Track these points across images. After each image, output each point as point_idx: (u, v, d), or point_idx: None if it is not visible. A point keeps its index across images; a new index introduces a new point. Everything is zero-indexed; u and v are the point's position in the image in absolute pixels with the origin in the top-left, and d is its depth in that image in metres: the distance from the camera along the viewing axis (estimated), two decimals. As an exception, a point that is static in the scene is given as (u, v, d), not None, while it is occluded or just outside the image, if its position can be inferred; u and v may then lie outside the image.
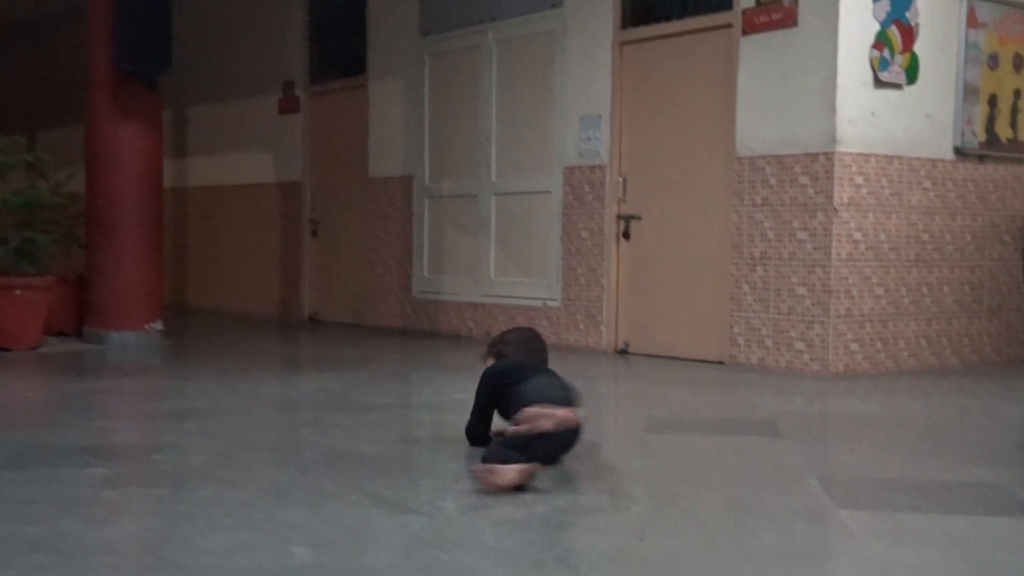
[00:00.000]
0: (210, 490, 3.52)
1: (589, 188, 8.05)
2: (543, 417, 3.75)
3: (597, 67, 7.98)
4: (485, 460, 3.64)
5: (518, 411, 3.81)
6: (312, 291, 10.87)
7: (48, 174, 8.76)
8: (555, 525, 3.18)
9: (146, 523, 3.29)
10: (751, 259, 7.01)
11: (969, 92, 7.24)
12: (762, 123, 6.95)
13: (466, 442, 4.26)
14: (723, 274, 7.20)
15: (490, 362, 4.33)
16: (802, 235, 6.75)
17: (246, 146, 11.62)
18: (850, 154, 6.66)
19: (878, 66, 6.73)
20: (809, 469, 4.00)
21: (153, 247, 8.30)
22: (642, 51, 7.79)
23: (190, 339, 8.98)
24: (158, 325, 8.30)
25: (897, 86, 6.87)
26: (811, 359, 6.69)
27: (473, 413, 4.24)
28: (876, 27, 6.73)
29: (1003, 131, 7.48)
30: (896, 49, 6.83)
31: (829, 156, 6.62)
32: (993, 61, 7.39)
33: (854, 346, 6.73)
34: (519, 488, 3.49)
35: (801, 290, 6.75)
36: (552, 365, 4.35)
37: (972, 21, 7.23)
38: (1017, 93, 7.56)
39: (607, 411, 5.50)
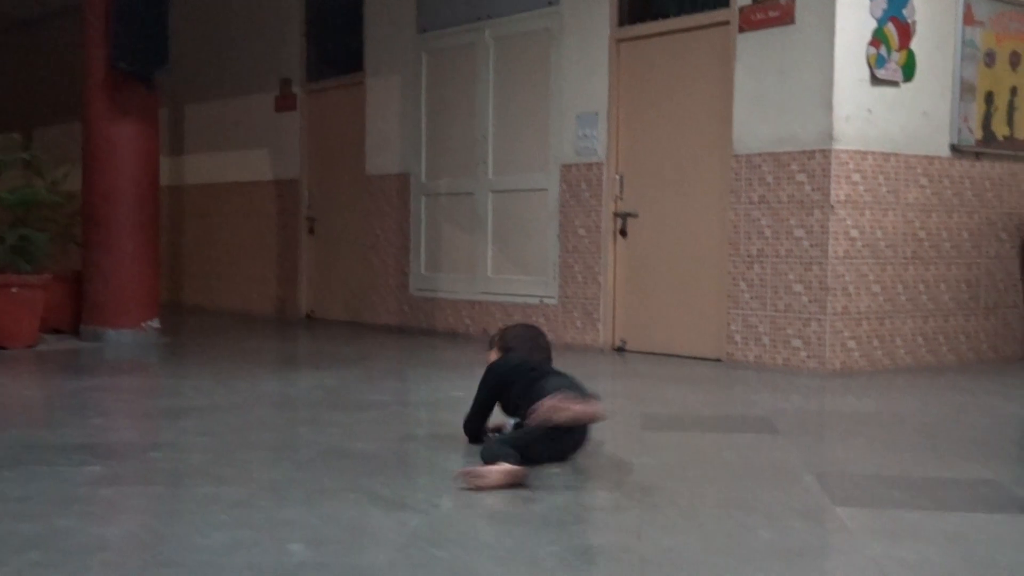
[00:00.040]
0: (207, 488, 3.52)
1: (586, 186, 8.05)
2: (560, 410, 3.73)
3: (594, 64, 7.98)
4: (483, 456, 3.65)
5: (532, 406, 3.80)
6: (309, 289, 10.87)
7: (45, 172, 8.75)
8: (553, 523, 3.18)
9: (143, 521, 3.29)
10: (748, 257, 7.01)
11: (966, 89, 7.25)
12: (759, 120, 6.95)
13: (463, 439, 4.26)
14: (720, 272, 7.20)
15: (494, 355, 4.32)
16: (799, 232, 6.75)
17: (243, 144, 11.61)
18: (847, 151, 6.66)
19: (875, 63, 6.74)
20: (806, 466, 4.01)
21: (150, 245, 8.30)
22: (639, 48, 7.79)
23: (187, 337, 8.97)
24: (155, 323, 8.30)
25: (894, 83, 6.88)
26: (808, 356, 6.70)
27: (474, 406, 4.22)
28: (873, 24, 6.73)
29: (1000, 128, 7.49)
30: (893, 46, 6.83)
31: (826, 153, 6.62)
32: (990, 58, 7.39)
33: (851, 343, 6.73)
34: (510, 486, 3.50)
35: (798, 287, 6.75)
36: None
37: (969, 18, 7.24)
38: (1014, 90, 7.57)
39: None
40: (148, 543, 2.98)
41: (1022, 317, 7.79)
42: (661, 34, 7.64)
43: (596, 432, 4.17)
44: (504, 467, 3.55)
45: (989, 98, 7.41)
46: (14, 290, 7.65)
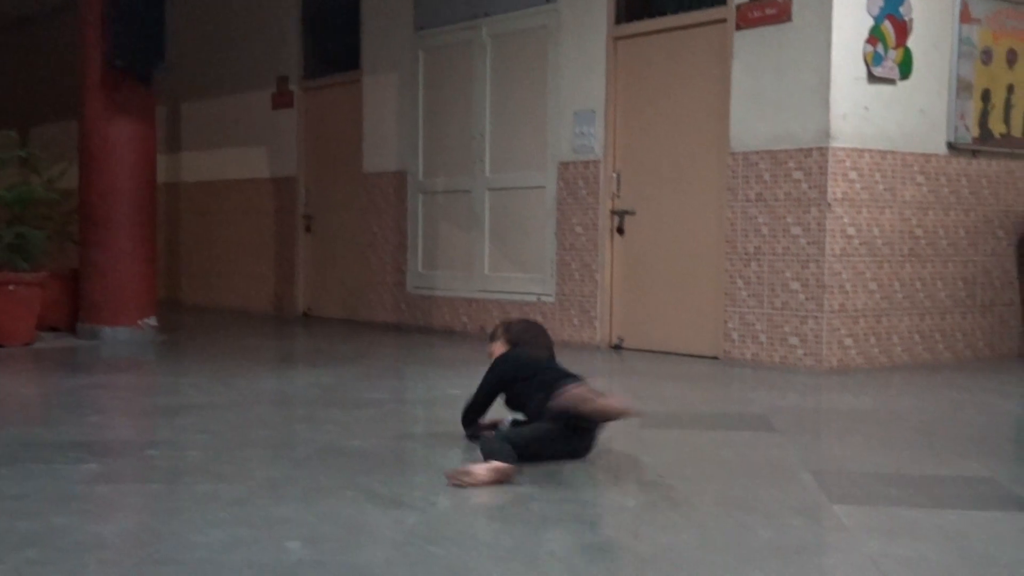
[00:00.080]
0: (205, 486, 3.52)
1: (583, 183, 8.05)
2: (587, 400, 3.70)
3: (591, 62, 7.98)
4: (483, 450, 3.65)
5: (553, 396, 3.78)
6: (306, 287, 10.87)
7: (42, 170, 8.74)
8: (550, 520, 3.18)
9: (140, 519, 3.29)
10: (745, 254, 7.01)
11: (962, 87, 7.25)
12: (756, 118, 6.95)
13: (461, 436, 4.26)
14: (717, 269, 7.21)
15: (499, 347, 4.29)
16: (796, 230, 6.75)
17: (240, 141, 11.60)
18: (844, 149, 6.66)
19: (872, 61, 6.74)
20: (803, 464, 4.01)
21: (147, 243, 8.29)
22: (636, 46, 7.79)
23: (184, 335, 8.97)
24: (152, 321, 8.29)
25: (891, 81, 6.88)
26: (805, 354, 6.70)
27: (478, 395, 4.20)
28: (870, 22, 6.73)
29: (996, 126, 7.49)
30: (890, 44, 6.83)
31: (823, 151, 6.62)
32: (987, 56, 7.40)
33: (848, 341, 6.74)
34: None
35: (795, 285, 6.76)
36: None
37: (966, 16, 7.24)
38: (1010, 88, 7.58)
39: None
40: (145, 541, 2.98)
41: (1019, 315, 7.80)
42: (658, 32, 7.64)
43: (593, 430, 4.17)
44: (493, 465, 3.55)
45: (986, 96, 7.41)
46: (11, 288, 7.64)
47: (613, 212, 7.89)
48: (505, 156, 8.74)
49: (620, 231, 7.86)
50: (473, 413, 4.24)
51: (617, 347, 7.86)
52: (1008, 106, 7.57)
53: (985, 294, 7.57)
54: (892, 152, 6.92)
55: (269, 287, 11.23)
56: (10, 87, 14.73)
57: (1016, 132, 7.62)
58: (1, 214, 8.33)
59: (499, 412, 4.27)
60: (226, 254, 11.86)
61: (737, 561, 2.80)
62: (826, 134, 6.61)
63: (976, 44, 7.32)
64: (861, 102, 6.73)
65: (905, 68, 6.93)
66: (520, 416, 4.12)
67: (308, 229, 10.81)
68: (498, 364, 4.19)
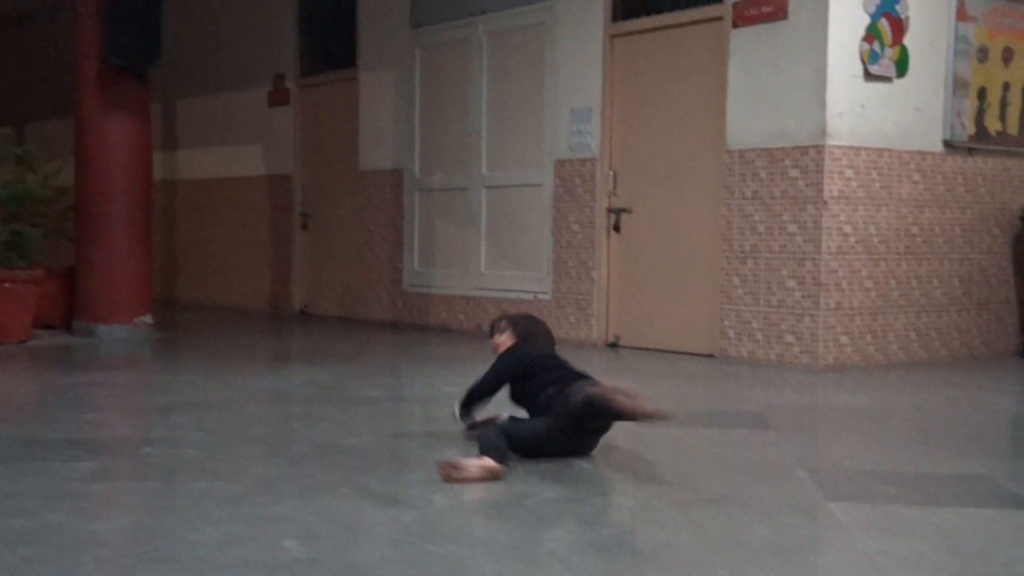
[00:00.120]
0: (201, 484, 3.52)
1: (580, 181, 8.05)
2: (623, 395, 3.67)
3: (588, 60, 7.97)
4: (481, 445, 3.64)
5: (568, 393, 3.77)
6: (302, 285, 10.86)
7: (37, 167, 8.72)
8: (546, 518, 3.18)
9: (136, 516, 3.29)
10: (741, 252, 7.02)
11: (959, 85, 7.26)
12: (752, 116, 6.95)
13: (458, 436, 4.25)
14: (713, 267, 7.21)
15: (506, 338, 4.26)
16: (792, 228, 6.76)
17: (236, 139, 11.59)
18: (840, 147, 6.67)
19: (868, 59, 6.74)
20: (799, 462, 4.02)
21: (143, 240, 8.28)
22: (633, 44, 7.79)
23: (180, 333, 8.96)
24: (148, 319, 8.28)
25: (887, 79, 6.88)
26: (801, 352, 6.71)
27: (485, 381, 4.16)
28: (866, 20, 6.73)
29: (992, 124, 7.50)
30: (886, 42, 6.83)
31: (819, 149, 6.63)
32: (983, 54, 7.40)
33: (844, 339, 6.74)
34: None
35: (791, 283, 6.76)
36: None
37: (962, 14, 7.24)
38: (1006, 86, 7.58)
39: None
40: (141, 539, 2.98)
41: (1015, 312, 7.81)
42: (655, 29, 7.64)
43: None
44: (485, 463, 3.55)
45: (982, 94, 7.42)
46: (7, 285, 7.63)
47: (610, 210, 7.89)
48: (502, 154, 8.73)
49: (616, 229, 7.86)
50: (478, 397, 4.19)
51: (613, 345, 7.86)
52: (1004, 104, 7.57)
53: (981, 292, 7.57)
54: (888, 150, 6.93)
55: (265, 285, 11.22)
56: (6, 84, 14.70)
57: (1012, 130, 7.63)
58: (-3, 212, 8.32)
59: (498, 409, 4.27)
60: (222, 252, 11.84)
61: (734, 559, 2.80)
62: (822, 132, 6.61)
63: (972, 42, 7.32)
64: (857, 100, 6.73)
65: (901, 66, 6.93)
66: (516, 413, 4.12)
67: (304, 227, 10.80)
68: (512, 355, 4.16)
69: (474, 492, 3.47)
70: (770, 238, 6.86)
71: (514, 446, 3.80)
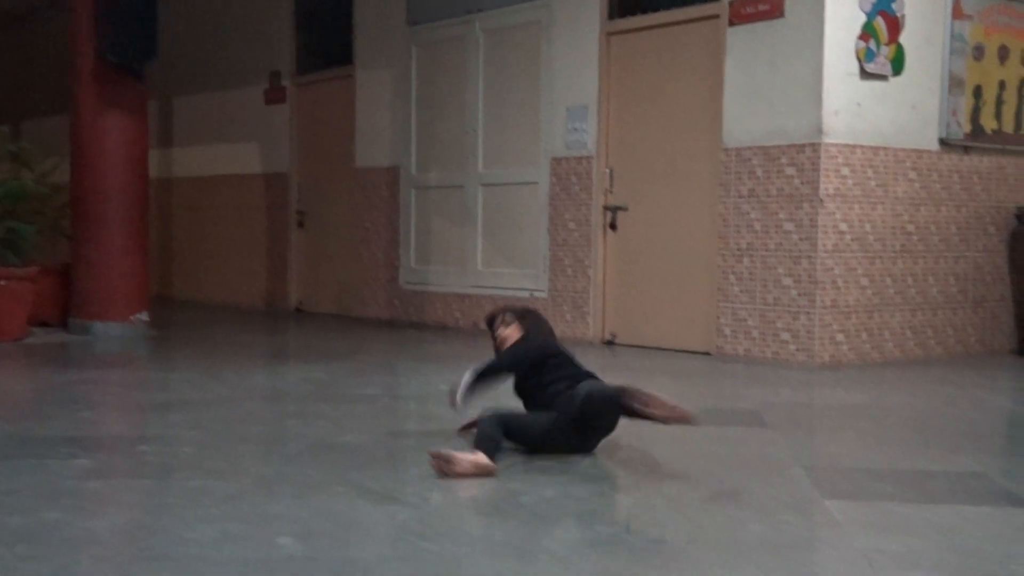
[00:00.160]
0: (196, 481, 3.52)
1: (576, 179, 8.04)
2: (661, 405, 3.67)
3: (584, 58, 7.97)
4: (477, 437, 3.66)
5: (580, 392, 3.77)
6: (299, 282, 10.85)
7: (33, 164, 8.71)
8: (541, 515, 3.19)
9: (132, 514, 3.28)
10: (737, 250, 7.02)
11: (954, 83, 7.26)
12: (749, 114, 6.95)
13: (454, 432, 4.25)
14: (710, 265, 7.21)
15: (514, 331, 4.21)
16: (788, 226, 6.76)
17: (232, 137, 11.57)
18: (836, 145, 6.67)
19: (864, 57, 6.75)
20: (795, 459, 4.02)
21: (139, 238, 8.27)
22: (629, 41, 7.78)
23: (176, 330, 8.95)
24: (144, 316, 8.27)
25: (883, 77, 6.88)
26: (797, 350, 6.71)
27: (502, 360, 4.12)
28: (862, 18, 6.74)
29: (988, 122, 7.51)
30: (882, 40, 6.84)
31: (815, 147, 6.63)
32: (978, 52, 7.41)
33: (840, 337, 6.75)
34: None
35: (787, 281, 6.77)
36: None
37: (958, 12, 7.25)
38: (1002, 84, 7.59)
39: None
40: (137, 536, 2.98)
41: (1010, 310, 7.82)
42: (651, 27, 7.63)
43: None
44: (478, 459, 3.55)
45: (977, 92, 7.43)
46: (2, 283, 7.62)
47: (606, 208, 7.89)
48: (498, 151, 8.73)
49: (613, 227, 7.86)
50: (492, 375, 4.09)
51: (610, 343, 7.86)
52: (999, 102, 7.58)
53: (976, 290, 7.58)
54: (884, 148, 6.93)
55: (261, 283, 11.21)
56: (2, 82, 14.67)
57: (1007, 128, 7.64)
58: (-8, 209, 8.30)
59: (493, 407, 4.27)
60: (218, 250, 11.83)
61: (729, 556, 2.80)
62: (818, 130, 6.62)
63: (968, 40, 7.33)
64: (853, 98, 6.73)
65: (897, 64, 6.93)
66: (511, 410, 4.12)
67: (301, 224, 10.79)
68: (530, 343, 4.13)
69: (470, 490, 3.47)
70: (766, 236, 6.87)
71: (511, 435, 3.81)
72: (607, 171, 7.88)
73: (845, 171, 6.72)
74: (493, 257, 8.77)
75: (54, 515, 3.07)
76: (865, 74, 6.77)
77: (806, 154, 6.67)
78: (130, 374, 6.59)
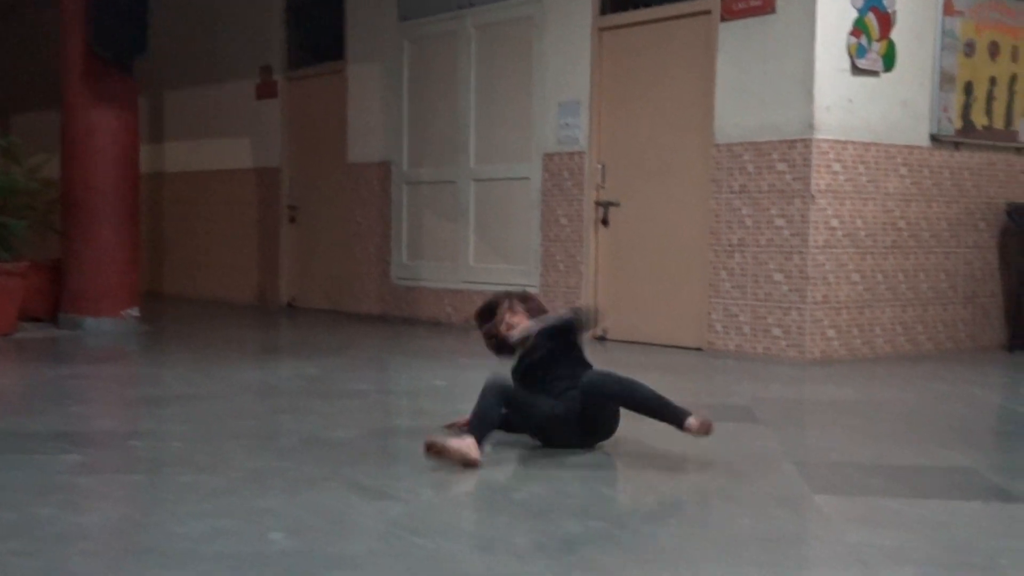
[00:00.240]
0: (187, 476, 3.51)
1: (568, 174, 8.04)
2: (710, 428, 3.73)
3: (576, 53, 7.97)
4: (476, 409, 3.68)
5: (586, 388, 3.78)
6: (290, 278, 10.84)
7: (23, 159, 8.68)
8: (533, 511, 3.19)
9: (122, 509, 3.28)
10: (729, 246, 7.03)
11: (945, 80, 7.28)
12: (740, 110, 6.96)
13: (446, 426, 4.24)
14: (701, 261, 7.22)
15: (521, 318, 4.16)
16: (779, 222, 6.77)
17: (223, 132, 11.55)
18: (827, 141, 6.68)
19: (855, 53, 6.76)
20: (785, 454, 4.03)
21: (129, 233, 8.25)
22: (621, 37, 7.78)
23: (167, 325, 8.93)
24: (135, 311, 8.26)
25: (874, 73, 6.89)
26: (788, 345, 6.72)
27: (569, 319, 4.10)
28: (854, 14, 6.74)
29: (979, 119, 7.52)
30: (873, 36, 6.85)
31: (806, 143, 6.64)
32: (969, 49, 7.42)
33: (830, 332, 6.76)
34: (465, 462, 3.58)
35: (778, 276, 6.78)
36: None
37: (949, 9, 7.26)
38: (993, 81, 7.61)
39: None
40: (128, 531, 2.97)
41: (1000, 306, 7.84)
42: (643, 23, 7.63)
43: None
44: (467, 450, 3.55)
45: (968, 88, 7.44)
46: (-8, 278, 7.60)
47: (598, 203, 7.89)
48: (490, 147, 8.72)
49: (605, 222, 7.87)
50: (560, 331, 4.09)
51: (601, 339, 7.86)
52: (990, 98, 7.60)
53: (967, 286, 7.60)
54: (875, 144, 6.95)
55: (253, 278, 11.20)
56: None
57: (998, 124, 7.66)
58: (-18, 204, 8.27)
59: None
60: (209, 245, 11.81)
61: (719, 550, 2.81)
62: (810, 126, 6.62)
63: (959, 36, 7.34)
64: (845, 94, 6.74)
65: (888, 60, 6.94)
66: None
67: (292, 220, 10.77)
68: (574, 326, 4.13)
69: (463, 486, 3.47)
70: (757, 232, 6.87)
71: (512, 412, 3.80)
72: (599, 167, 7.88)
73: (836, 167, 6.73)
74: (485, 252, 8.77)
75: (45, 510, 3.07)
76: (856, 70, 6.78)
77: (797, 150, 6.68)
78: (121, 369, 6.57)
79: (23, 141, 9.07)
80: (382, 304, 9.67)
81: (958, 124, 7.38)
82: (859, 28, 6.76)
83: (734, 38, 6.99)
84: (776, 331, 6.78)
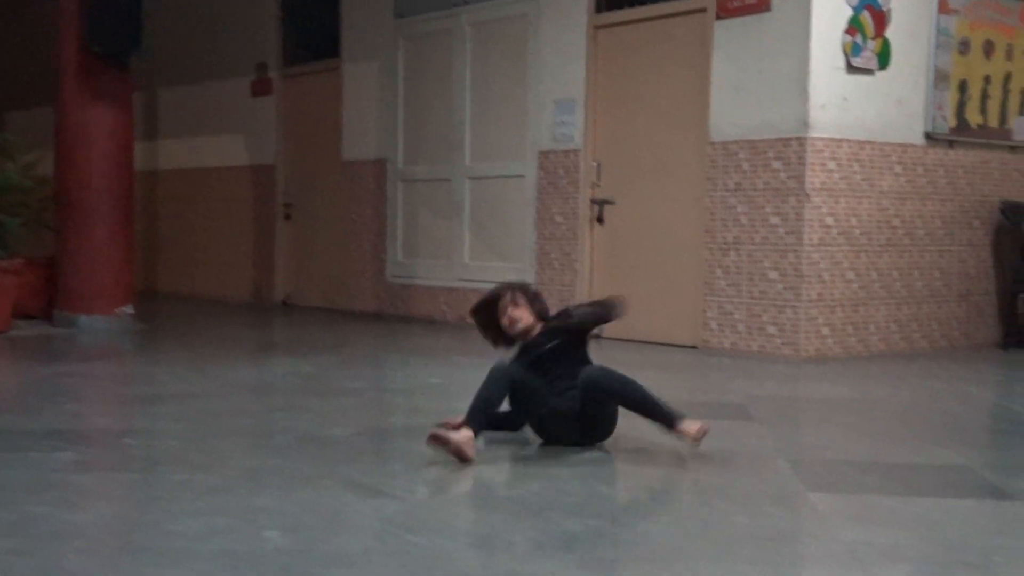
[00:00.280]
0: (182, 474, 3.51)
1: (563, 172, 8.04)
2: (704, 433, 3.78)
3: (571, 51, 7.96)
4: (478, 396, 3.69)
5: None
6: (285, 275, 10.83)
7: (17, 156, 8.65)
8: (529, 509, 3.19)
9: (117, 507, 3.27)
10: (724, 244, 7.03)
11: (940, 78, 7.29)
12: (735, 108, 6.96)
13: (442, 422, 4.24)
14: (696, 259, 7.22)
15: (524, 312, 4.13)
16: (774, 220, 6.78)
17: (218, 129, 11.53)
18: (822, 139, 6.69)
19: (850, 51, 6.76)
20: (780, 452, 4.03)
21: (124, 230, 8.23)
22: (616, 35, 7.78)
23: (162, 323, 8.92)
24: (129, 309, 8.24)
25: (869, 71, 6.90)
26: (783, 343, 6.73)
27: (577, 322, 4.13)
28: (849, 12, 6.75)
29: (973, 117, 7.54)
30: (868, 35, 6.85)
31: (801, 141, 6.64)
32: (964, 47, 7.43)
33: (825, 330, 6.77)
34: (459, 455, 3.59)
35: (773, 275, 6.78)
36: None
37: (943, 7, 7.27)
38: (987, 79, 7.62)
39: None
40: (122, 530, 2.97)
41: (994, 304, 7.86)
42: (639, 21, 7.63)
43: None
44: (463, 445, 3.56)
45: (963, 86, 7.45)
46: (-14, 276, 7.58)
47: (593, 201, 7.89)
48: (485, 145, 8.72)
49: (600, 220, 7.87)
50: (578, 322, 4.13)
51: (596, 336, 7.86)
52: (985, 97, 7.61)
53: (961, 284, 7.62)
54: (870, 142, 6.95)
55: (247, 276, 11.18)
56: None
57: (992, 123, 7.67)
58: (-24, 201, 8.25)
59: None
60: (204, 242, 11.79)
61: (714, 548, 2.81)
62: (805, 124, 6.63)
63: (954, 35, 7.35)
64: (840, 92, 6.75)
65: (883, 59, 6.95)
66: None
67: (287, 217, 10.76)
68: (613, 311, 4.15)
69: (458, 483, 3.47)
70: (752, 230, 6.88)
71: (515, 400, 3.81)
72: (594, 165, 7.88)
73: (831, 165, 6.74)
74: (480, 250, 8.76)
75: (39, 508, 3.06)
76: (851, 68, 6.79)
77: (792, 148, 6.68)
78: (115, 367, 6.56)
79: (17, 138, 9.04)
80: (377, 302, 9.67)
81: (953, 122, 7.39)
82: (854, 26, 6.77)
83: (729, 36, 6.99)
84: (771, 329, 6.79)
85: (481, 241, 8.76)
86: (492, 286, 4.33)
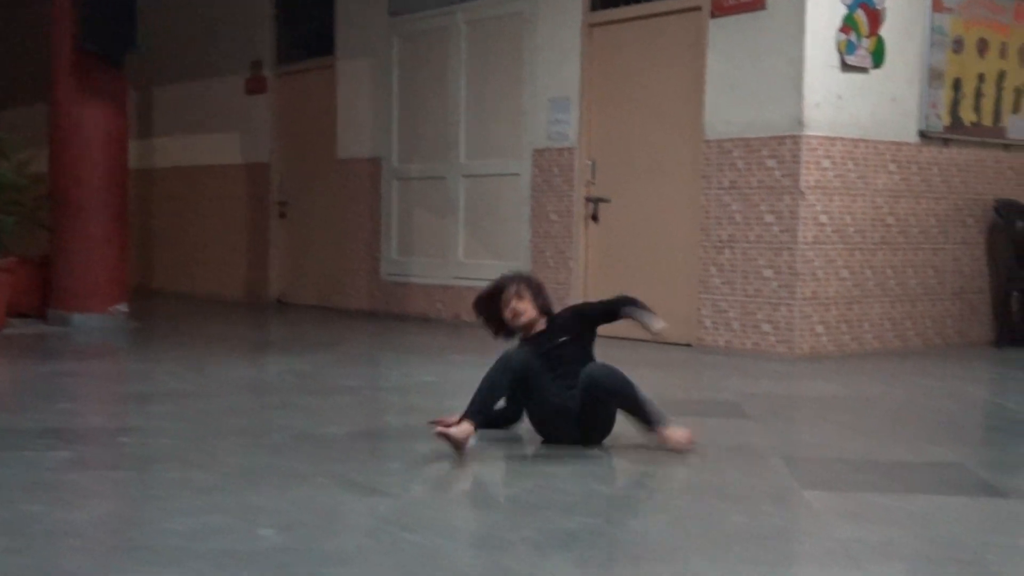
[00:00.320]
0: (177, 473, 3.51)
1: (558, 170, 8.05)
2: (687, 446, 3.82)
3: (566, 49, 7.97)
4: (482, 384, 3.71)
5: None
6: (280, 273, 10.82)
7: (10, 154, 8.63)
8: (523, 506, 3.19)
9: (112, 506, 3.27)
10: (719, 242, 7.04)
11: (934, 76, 7.30)
12: (730, 106, 6.97)
13: (429, 425, 4.24)
14: (691, 257, 7.23)
15: (527, 305, 4.10)
16: (769, 218, 6.79)
17: (213, 127, 11.52)
18: (816, 137, 6.70)
19: (845, 50, 6.77)
20: (774, 450, 4.04)
21: (118, 228, 8.22)
22: (611, 33, 7.79)
23: (156, 322, 8.91)
24: (123, 307, 8.23)
25: (863, 70, 6.91)
26: (777, 341, 6.74)
27: (596, 304, 4.17)
28: (843, 11, 6.76)
29: (967, 115, 7.55)
30: (863, 33, 6.86)
31: (796, 139, 6.65)
32: (958, 45, 7.44)
33: (819, 328, 6.78)
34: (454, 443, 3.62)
35: (768, 273, 6.79)
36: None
37: (938, 5, 7.28)
38: (981, 77, 7.63)
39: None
40: (117, 528, 2.97)
41: (988, 302, 7.87)
42: (633, 19, 7.64)
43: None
44: (460, 438, 3.56)
45: (957, 85, 7.46)
46: (-20, 274, 7.57)
47: (588, 199, 7.90)
48: (480, 143, 8.72)
49: (595, 218, 7.87)
50: (600, 312, 4.17)
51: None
52: (978, 95, 7.62)
53: (955, 281, 7.63)
54: (864, 140, 6.96)
55: (242, 274, 11.17)
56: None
57: (986, 121, 7.69)
58: (-30, 199, 8.23)
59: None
60: (199, 241, 11.78)
61: (709, 546, 2.82)
62: (799, 122, 6.64)
63: (948, 33, 7.36)
64: (834, 90, 6.76)
65: (878, 57, 6.96)
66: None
67: (282, 215, 10.75)
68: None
69: (453, 481, 3.47)
70: (747, 228, 6.89)
71: (517, 389, 3.80)
72: (589, 163, 7.89)
73: (826, 163, 6.75)
74: (475, 248, 8.76)
75: (34, 507, 3.06)
76: (846, 66, 6.80)
77: (787, 146, 6.69)
78: (110, 365, 6.56)
79: (11, 135, 9.02)
80: (372, 300, 9.66)
81: (947, 120, 7.41)
82: (848, 24, 6.77)
83: (724, 34, 7.00)
84: (765, 327, 6.80)
85: (476, 239, 8.76)
86: (490, 282, 4.33)
